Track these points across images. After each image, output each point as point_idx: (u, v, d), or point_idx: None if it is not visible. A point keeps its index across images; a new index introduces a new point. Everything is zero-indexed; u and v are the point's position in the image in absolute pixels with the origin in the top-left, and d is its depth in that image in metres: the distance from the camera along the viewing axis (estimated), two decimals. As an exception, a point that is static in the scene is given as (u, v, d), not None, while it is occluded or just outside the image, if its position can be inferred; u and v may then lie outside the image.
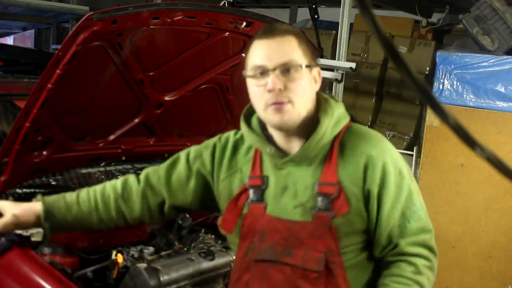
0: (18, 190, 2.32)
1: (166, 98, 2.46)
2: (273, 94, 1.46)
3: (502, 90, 3.83)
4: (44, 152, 2.24)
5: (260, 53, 1.50)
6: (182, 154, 1.78)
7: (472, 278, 3.87)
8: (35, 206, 1.78)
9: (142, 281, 2.01)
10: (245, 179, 1.61)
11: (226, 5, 4.10)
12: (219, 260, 2.26)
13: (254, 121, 1.63)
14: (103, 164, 2.63)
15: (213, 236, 2.49)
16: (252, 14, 2.29)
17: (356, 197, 1.49)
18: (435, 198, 3.92)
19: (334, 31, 5.22)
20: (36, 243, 2.06)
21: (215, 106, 2.68)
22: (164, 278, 2.05)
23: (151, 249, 2.30)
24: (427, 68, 4.88)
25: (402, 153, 1.62)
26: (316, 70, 1.56)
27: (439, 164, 4.03)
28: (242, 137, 1.69)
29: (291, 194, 1.53)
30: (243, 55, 2.47)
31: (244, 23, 2.26)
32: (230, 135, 1.72)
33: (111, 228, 1.89)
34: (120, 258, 2.11)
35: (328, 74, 4.07)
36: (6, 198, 2.19)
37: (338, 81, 4.15)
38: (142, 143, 2.61)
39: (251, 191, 1.59)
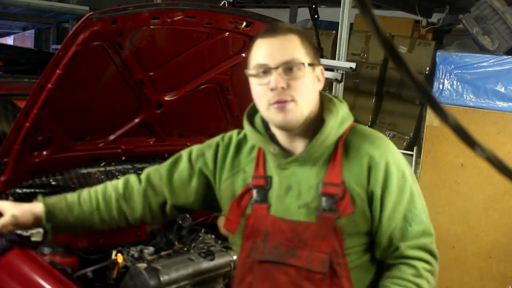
0: (18, 190, 2.33)
1: (166, 98, 2.46)
2: (275, 93, 1.45)
3: (502, 90, 3.83)
4: (44, 152, 2.24)
5: (263, 51, 1.49)
6: (184, 153, 1.76)
7: (472, 278, 3.87)
8: (35, 207, 1.76)
9: (142, 281, 2.01)
10: (248, 179, 1.60)
11: (226, 5, 4.10)
12: (219, 260, 2.26)
13: (257, 121, 1.61)
14: (103, 164, 2.63)
15: (213, 236, 2.49)
16: (252, 14, 2.29)
17: (360, 198, 1.48)
18: (435, 198, 3.92)
19: (334, 31, 5.22)
20: (36, 243, 2.06)
21: (215, 106, 2.68)
22: (164, 278, 2.05)
23: (151, 249, 2.30)
24: (427, 68, 4.88)
25: (402, 153, 1.61)
26: (319, 69, 1.55)
27: (439, 164, 4.03)
28: (245, 136, 1.68)
29: (295, 194, 1.52)
30: (243, 55, 2.48)
31: (244, 23, 2.26)
32: (233, 134, 1.71)
33: (113, 228, 1.88)
34: (120, 258, 2.11)
35: (328, 74, 4.06)
36: (6, 198, 2.19)
37: (338, 81, 4.15)
38: (142, 143, 2.61)
39: (254, 191, 1.58)
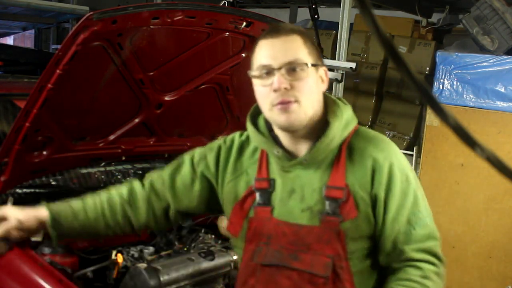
0: (18, 190, 2.33)
1: (166, 98, 2.46)
2: (279, 94, 1.44)
3: (502, 90, 3.83)
4: (44, 152, 2.24)
5: (265, 52, 1.49)
6: (187, 158, 1.75)
7: (472, 278, 3.87)
8: (40, 213, 1.74)
9: (142, 281, 2.01)
10: (251, 182, 1.58)
11: (226, 5, 4.10)
12: (219, 260, 2.26)
13: (260, 122, 1.60)
14: (103, 164, 2.63)
15: (213, 236, 2.49)
16: (252, 14, 2.29)
17: (364, 202, 1.47)
18: (435, 198, 3.92)
19: (334, 31, 5.22)
20: (36, 243, 2.06)
21: (215, 106, 2.68)
22: (164, 278, 2.05)
23: (151, 249, 2.30)
24: (427, 68, 4.88)
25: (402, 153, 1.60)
26: (322, 70, 1.54)
27: (439, 164, 4.03)
28: (247, 138, 1.66)
29: (299, 197, 1.51)
30: (243, 55, 2.49)
31: (244, 23, 2.26)
32: (235, 136, 1.70)
33: (117, 234, 1.87)
34: (120, 258, 2.11)
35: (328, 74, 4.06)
36: (6, 198, 2.19)
37: (338, 81, 4.15)
38: (142, 143, 2.61)
39: (257, 194, 1.56)
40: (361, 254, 1.49)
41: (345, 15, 4.16)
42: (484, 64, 3.88)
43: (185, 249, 2.35)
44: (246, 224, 1.57)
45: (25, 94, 2.08)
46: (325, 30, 5.55)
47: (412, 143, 4.99)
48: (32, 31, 7.39)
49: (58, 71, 1.91)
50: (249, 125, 1.61)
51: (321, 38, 4.75)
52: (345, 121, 1.52)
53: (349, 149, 1.51)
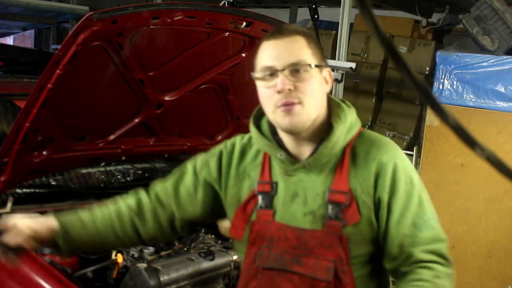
0: (18, 190, 2.33)
1: (166, 98, 2.46)
2: (282, 95, 1.42)
3: (502, 90, 3.83)
4: (44, 152, 2.24)
5: (268, 53, 1.47)
6: (189, 166, 1.73)
7: (472, 278, 3.87)
8: (51, 223, 1.66)
9: (142, 281, 2.01)
10: (254, 185, 1.57)
11: (226, 5, 4.10)
12: (219, 260, 2.26)
13: (264, 125, 1.59)
14: (103, 164, 2.63)
15: (213, 236, 2.49)
16: (252, 14, 2.29)
17: (367, 206, 1.45)
18: (435, 198, 3.89)
19: (334, 31, 5.22)
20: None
21: (215, 106, 2.68)
22: (164, 278, 2.05)
23: (151, 249, 2.30)
24: (427, 68, 4.88)
25: (401, 153, 1.59)
26: (326, 71, 1.52)
27: (439, 164, 4.03)
28: (249, 141, 1.65)
29: (301, 201, 1.50)
30: (243, 55, 2.49)
31: (244, 23, 2.26)
32: (236, 140, 1.68)
33: (125, 246, 1.85)
34: (120, 258, 2.11)
35: (328, 74, 4.06)
36: (6, 198, 2.19)
37: (338, 81, 4.15)
38: (142, 143, 2.61)
39: (259, 197, 1.55)
40: (363, 259, 1.48)
41: (345, 15, 4.16)
42: (484, 64, 3.88)
43: (185, 249, 2.35)
44: (248, 227, 1.56)
45: (25, 94, 2.08)
46: (325, 30, 5.55)
47: (412, 143, 4.99)
48: (32, 31, 7.39)
49: (58, 71, 1.91)
50: (252, 128, 1.59)
51: (321, 38, 4.75)
52: (349, 125, 1.51)
53: (352, 153, 1.50)
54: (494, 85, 3.85)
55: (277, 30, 1.50)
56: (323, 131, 1.50)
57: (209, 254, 2.25)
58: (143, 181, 2.82)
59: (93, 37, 1.91)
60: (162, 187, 1.74)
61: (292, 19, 6.90)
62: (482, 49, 3.87)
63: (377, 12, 3.63)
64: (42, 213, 2.24)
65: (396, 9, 5.39)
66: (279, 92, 1.43)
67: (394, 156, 1.49)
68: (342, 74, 4.13)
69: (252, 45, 2.43)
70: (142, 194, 1.75)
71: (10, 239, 1.58)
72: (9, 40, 8.57)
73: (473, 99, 3.93)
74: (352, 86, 5.25)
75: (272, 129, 1.56)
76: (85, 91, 2.21)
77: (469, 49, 4.04)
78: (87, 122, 2.32)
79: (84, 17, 1.86)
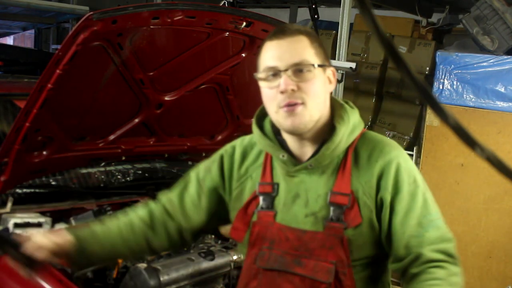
0: (18, 190, 2.33)
1: (166, 98, 2.46)
2: (285, 96, 1.42)
3: (502, 90, 3.83)
4: (44, 152, 2.24)
5: (271, 54, 1.46)
6: (192, 175, 1.72)
7: (472, 278, 3.87)
8: (66, 237, 1.61)
9: (142, 281, 2.01)
10: (256, 186, 1.57)
11: (226, 5, 4.10)
12: (219, 260, 2.26)
13: (266, 126, 1.58)
14: (103, 164, 2.63)
15: (213, 236, 2.49)
16: (252, 14, 2.29)
17: (368, 208, 1.45)
18: (435, 198, 3.90)
19: (334, 31, 5.22)
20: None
21: (215, 106, 2.68)
22: (164, 278, 2.05)
23: (151, 249, 2.30)
24: (427, 68, 4.88)
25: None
26: (330, 70, 1.51)
27: (439, 164, 4.03)
28: (250, 143, 1.65)
29: (303, 202, 1.49)
30: (243, 55, 2.49)
31: (244, 23, 2.26)
32: (237, 143, 1.68)
33: (136, 257, 1.85)
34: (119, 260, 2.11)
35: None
36: (6, 198, 2.19)
37: (338, 81, 4.15)
38: (142, 143, 2.61)
39: (260, 198, 1.55)
40: (364, 261, 1.48)
41: (345, 15, 4.16)
42: (484, 64, 3.88)
43: (185, 249, 2.35)
44: (249, 228, 1.56)
45: (25, 94, 2.08)
46: (325, 30, 5.55)
47: (412, 143, 4.99)
48: (32, 31, 7.39)
49: (58, 71, 1.91)
50: (255, 128, 1.59)
51: (321, 38, 4.73)
52: (352, 126, 1.50)
53: (355, 154, 1.50)
54: (494, 85, 3.85)
55: (280, 30, 1.49)
56: (326, 132, 1.50)
57: (209, 254, 2.25)
58: (143, 181, 2.83)
59: (93, 37, 1.91)
60: (167, 198, 1.73)
61: (292, 19, 6.89)
62: (482, 49, 3.87)
63: (377, 12, 3.63)
64: (43, 213, 2.25)
65: (396, 9, 5.39)
66: (282, 92, 1.42)
67: (397, 156, 1.48)
68: (342, 74, 4.13)
69: (252, 45, 2.43)
70: (153, 205, 1.73)
71: (33, 252, 1.54)
72: (9, 40, 8.57)
73: (473, 99, 3.94)
74: (352, 86, 5.25)
75: (275, 129, 1.55)
76: (85, 91, 2.21)
77: (469, 49, 4.04)
78: (87, 122, 2.32)
79: (84, 17, 1.86)
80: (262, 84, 1.48)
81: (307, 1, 4.33)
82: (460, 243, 3.90)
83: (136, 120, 2.47)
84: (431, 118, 4.06)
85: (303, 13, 6.54)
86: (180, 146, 2.76)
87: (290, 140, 1.52)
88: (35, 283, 1.85)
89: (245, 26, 2.27)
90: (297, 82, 1.43)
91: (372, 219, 1.45)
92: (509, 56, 3.81)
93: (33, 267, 1.55)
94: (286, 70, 1.43)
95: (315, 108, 1.45)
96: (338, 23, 4.21)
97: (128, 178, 2.80)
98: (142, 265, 2.05)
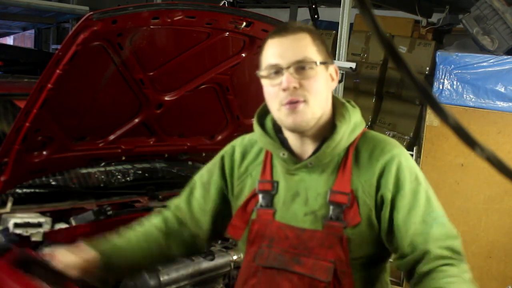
0: (18, 190, 2.33)
1: (166, 98, 2.46)
2: (287, 93, 1.42)
3: (502, 90, 3.83)
4: (44, 152, 2.24)
5: (273, 51, 1.46)
6: (197, 180, 1.73)
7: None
8: (91, 252, 1.61)
9: (142, 281, 2.01)
10: (255, 184, 1.57)
11: (226, 5, 4.10)
12: (219, 260, 2.26)
13: (268, 123, 1.58)
14: (103, 164, 2.63)
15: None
16: (252, 14, 2.29)
17: (368, 207, 1.44)
18: (435, 198, 3.92)
19: (334, 31, 5.22)
20: (36, 243, 2.06)
21: (215, 106, 2.68)
22: (164, 278, 2.05)
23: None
24: (427, 68, 4.88)
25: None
26: (332, 68, 1.51)
27: (439, 164, 4.03)
28: (250, 141, 1.65)
29: (302, 201, 1.49)
30: (243, 55, 2.49)
31: (244, 23, 2.26)
32: (237, 142, 1.68)
33: (153, 266, 1.90)
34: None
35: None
36: (6, 198, 2.19)
37: (338, 81, 4.15)
38: (142, 143, 2.61)
39: (260, 196, 1.55)
40: (363, 260, 1.47)
41: (345, 15, 4.16)
42: (484, 64, 3.88)
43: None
44: (248, 226, 1.56)
45: (25, 94, 2.08)
46: (325, 30, 5.55)
47: (412, 143, 4.99)
48: (32, 31, 7.39)
49: (58, 71, 1.91)
50: (256, 126, 1.59)
51: (321, 38, 4.73)
52: (353, 125, 1.50)
53: (356, 153, 1.49)
54: (494, 85, 3.85)
55: (282, 28, 1.49)
56: (327, 130, 1.49)
57: (209, 254, 2.25)
58: (143, 181, 2.83)
59: (93, 37, 1.91)
60: (176, 205, 1.75)
61: (292, 19, 6.89)
62: (482, 49, 3.87)
63: (377, 12, 3.63)
64: (43, 213, 2.25)
65: (396, 9, 5.39)
66: (284, 90, 1.42)
67: (398, 154, 1.47)
68: (342, 74, 4.12)
69: (252, 45, 2.43)
70: (166, 213, 1.75)
71: (63, 270, 1.53)
72: (9, 40, 8.58)
73: (473, 99, 3.94)
74: (352, 86, 5.25)
75: (276, 127, 1.55)
76: (85, 91, 2.21)
77: (469, 49, 4.04)
78: (87, 122, 2.32)
79: (84, 17, 1.86)
80: (264, 82, 1.48)
81: (307, 1, 4.33)
82: (460, 243, 3.91)
83: (136, 120, 2.47)
84: (431, 118, 4.06)
85: (303, 13, 6.54)
86: (180, 146, 2.76)
87: (291, 138, 1.52)
88: (35, 283, 1.85)
89: (245, 26, 2.27)
90: (299, 80, 1.42)
91: (371, 218, 1.45)
92: (509, 56, 3.81)
93: (63, 286, 1.53)
94: (288, 67, 1.43)
95: (317, 106, 1.45)
96: (338, 23, 4.21)
97: (128, 178, 2.80)
98: (142, 265, 2.05)
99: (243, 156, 1.64)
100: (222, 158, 1.68)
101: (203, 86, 2.54)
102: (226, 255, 2.29)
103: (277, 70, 1.44)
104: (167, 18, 2.04)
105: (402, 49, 5.01)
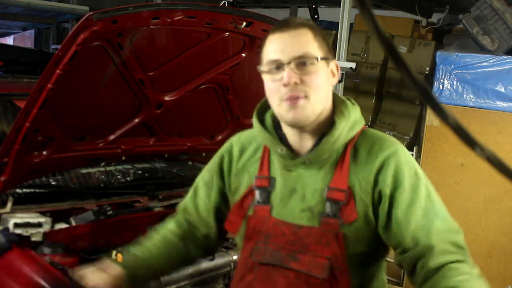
0: (18, 190, 2.33)
1: (166, 98, 2.46)
2: (288, 89, 1.42)
3: (502, 90, 3.83)
4: (44, 152, 2.24)
5: (274, 47, 1.46)
6: (200, 180, 1.74)
7: (472, 278, 3.87)
8: (117, 268, 1.65)
9: (142, 281, 2.01)
10: (252, 180, 1.57)
11: (226, 5, 4.10)
12: (219, 260, 2.26)
13: (267, 119, 1.58)
14: (103, 164, 2.63)
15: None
16: (252, 14, 2.29)
17: (364, 203, 1.44)
18: (435, 198, 3.92)
19: (334, 31, 5.22)
20: (36, 243, 2.06)
21: (215, 106, 2.68)
22: (164, 278, 2.05)
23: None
24: (427, 68, 4.88)
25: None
26: (333, 63, 1.51)
27: (439, 164, 4.03)
28: (248, 137, 1.66)
29: (299, 197, 1.49)
30: (243, 55, 2.49)
31: (244, 23, 2.26)
32: (234, 139, 1.69)
33: (177, 270, 1.94)
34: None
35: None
36: (6, 198, 2.19)
37: (338, 81, 4.15)
38: (142, 143, 2.61)
39: (257, 192, 1.55)
40: (359, 258, 1.47)
41: (345, 15, 4.16)
42: (484, 64, 3.88)
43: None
44: (245, 222, 1.57)
45: (25, 94, 2.08)
46: (325, 30, 5.54)
47: (412, 143, 4.99)
48: (32, 31, 7.39)
49: (58, 71, 1.91)
50: (255, 121, 1.59)
51: (321, 38, 4.73)
52: (352, 122, 1.50)
53: (354, 150, 1.49)
54: (494, 85, 3.85)
55: (283, 23, 1.49)
56: (326, 126, 1.49)
57: (209, 254, 2.25)
58: (143, 181, 2.83)
59: (93, 37, 1.91)
60: (183, 208, 1.77)
61: (292, 19, 6.89)
62: (482, 49, 3.87)
63: (377, 12, 3.63)
64: (43, 213, 2.25)
65: (396, 9, 5.39)
66: (285, 85, 1.42)
67: (396, 151, 1.47)
68: (342, 74, 4.12)
69: (252, 45, 2.43)
70: (177, 217, 1.78)
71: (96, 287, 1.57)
72: (9, 40, 8.58)
73: (473, 99, 3.93)
74: (352, 86, 5.25)
75: (276, 123, 1.56)
76: (85, 91, 2.21)
77: (469, 49, 4.04)
78: (87, 122, 2.32)
79: (84, 17, 1.86)
80: (265, 77, 1.48)
81: (307, 1, 4.33)
82: (460, 243, 3.91)
83: (136, 120, 2.47)
84: (431, 118, 4.05)
85: (303, 13, 6.54)
86: (180, 146, 2.76)
87: (290, 134, 1.52)
88: (35, 283, 1.85)
89: (245, 26, 2.27)
90: (300, 75, 1.42)
91: (368, 214, 1.45)
92: (509, 56, 3.81)
93: None
94: (289, 63, 1.42)
95: (318, 102, 1.45)
96: (338, 23, 4.21)
97: (128, 178, 2.80)
98: (142, 265, 2.05)
99: (241, 152, 1.65)
100: (221, 156, 1.69)
101: (203, 86, 2.54)
102: (226, 255, 2.29)
103: (278, 66, 1.44)
104: (167, 18, 2.04)
105: (402, 49, 5.01)
